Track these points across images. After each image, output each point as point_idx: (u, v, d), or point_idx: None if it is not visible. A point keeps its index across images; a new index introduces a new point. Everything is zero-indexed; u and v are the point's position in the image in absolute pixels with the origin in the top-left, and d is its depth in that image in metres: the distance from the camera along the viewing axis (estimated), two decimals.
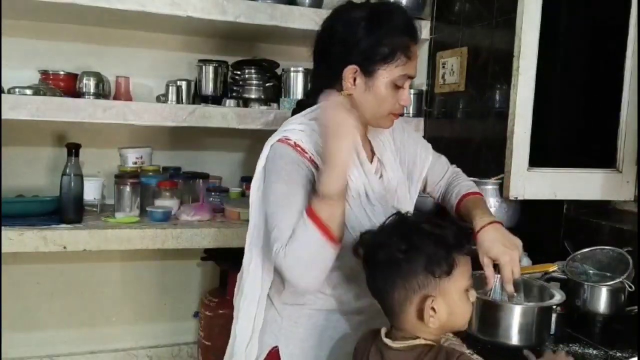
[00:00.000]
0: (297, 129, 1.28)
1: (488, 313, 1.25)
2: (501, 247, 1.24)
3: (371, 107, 1.28)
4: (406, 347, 1.02)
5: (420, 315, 1.00)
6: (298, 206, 1.18)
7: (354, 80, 1.26)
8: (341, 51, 1.27)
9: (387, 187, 1.36)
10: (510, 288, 1.23)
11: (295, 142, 1.25)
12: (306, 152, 1.24)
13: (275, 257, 1.16)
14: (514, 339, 1.23)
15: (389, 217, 1.11)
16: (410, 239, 1.02)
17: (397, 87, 1.26)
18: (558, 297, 1.29)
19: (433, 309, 0.99)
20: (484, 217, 1.31)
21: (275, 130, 1.32)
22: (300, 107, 1.38)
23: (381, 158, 1.38)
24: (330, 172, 1.13)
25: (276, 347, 1.32)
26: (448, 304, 1.00)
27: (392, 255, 1.01)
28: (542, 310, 1.26)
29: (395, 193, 1.37)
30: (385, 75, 1.25)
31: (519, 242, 1.26)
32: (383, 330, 1.08)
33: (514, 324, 1.23)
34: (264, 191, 1.26)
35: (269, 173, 1.25)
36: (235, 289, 1.39)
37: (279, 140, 1.26)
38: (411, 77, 1.28)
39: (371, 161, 1.36)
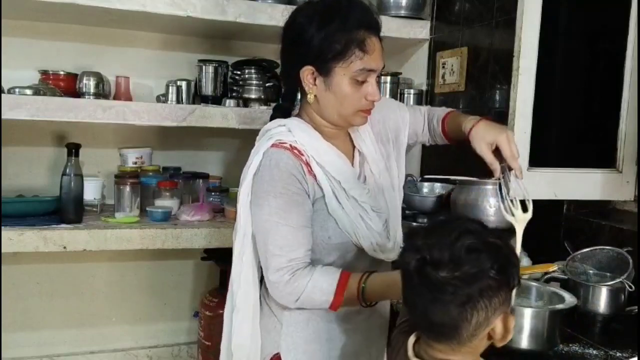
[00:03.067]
0: (283, 130, 1.26)
1: None
2: (496, 130, 1.31)
3: (334, 107, 1.24)
4: None
5: (490, 336, 0.88)
6: (295, 222, 1.20)
7: (314, 80, 1.23)
8: (297, 52, 1.24)
9: (374, 183, 1.35)
10: (516, 164, 1.29)
11: (290, 145, 1.23)
12: (302, 154, 1.23)
13: (274, 275, 1.19)
14: (524, 343, 1.21)
15: (432, 223, 0.94)
16: (495, 254, 0.85)
17: (360, 82, 1.21)
18: (569, 300, 1.27)
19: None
20: (470, 119, 1.36)
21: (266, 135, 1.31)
22: (277, 111, 1.36)
23: (361, 150, 1.35)
24: (387, 295, 1.22)
25: (277, 353, 1.30)
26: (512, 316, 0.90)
27: (482, 277, 0.83)
28: (553, 314, 1.23)
29: (377, 184, 1.35)
30: (342, 72, 1.20)
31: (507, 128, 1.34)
32: (411, 341, 0.95)
33: (525, 328, 1.20)
34: (255, 199, 1.24)
35: (262, 181, 1.22)
36: (227, 303, 1.36)
37: (273, 145, 1.23)
38: (373, 70, 1.22)
39: (352, 156, 1.35)
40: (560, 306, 1.25)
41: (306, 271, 1.20)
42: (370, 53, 1.20)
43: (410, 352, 0.93)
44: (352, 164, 1.34)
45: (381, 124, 1.41)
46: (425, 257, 0.85)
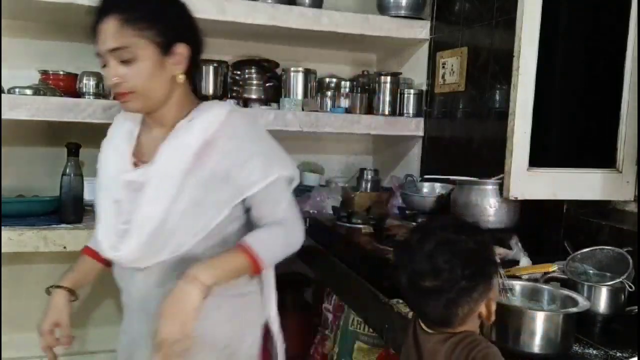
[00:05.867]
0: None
1: (510, 320, 1.19)
2: None
3: None
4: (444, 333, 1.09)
5: (478, 316, 1.07)
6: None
7: None
8: None
9: (143, 181, 1.31)
10: None
11: None
12: None
13: None
14: (536, 347, 1.19)
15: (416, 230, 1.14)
16: (468, 260, 1.02)
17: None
18: (583, 303, 1.25)
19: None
20: None
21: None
22: None
23: (156, 151, 1.31)
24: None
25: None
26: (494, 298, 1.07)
27: (457, 282, 1.01)
28: (567, 318, 1.21)
29: (146, 191, 1.31)
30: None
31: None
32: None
33: (538, 332, 1.18)
34: None
35: None
36: None
37: None
38: (101, 54, 1.28)
39: (134, 153, 1.39)
40: (574, 309, 1.22)
41: None
42: (98, 36, 1.28)
43: (423, 324, 1.12)
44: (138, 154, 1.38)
45: (215, 163, 1.29)
46: (411, 271, 1.05)
